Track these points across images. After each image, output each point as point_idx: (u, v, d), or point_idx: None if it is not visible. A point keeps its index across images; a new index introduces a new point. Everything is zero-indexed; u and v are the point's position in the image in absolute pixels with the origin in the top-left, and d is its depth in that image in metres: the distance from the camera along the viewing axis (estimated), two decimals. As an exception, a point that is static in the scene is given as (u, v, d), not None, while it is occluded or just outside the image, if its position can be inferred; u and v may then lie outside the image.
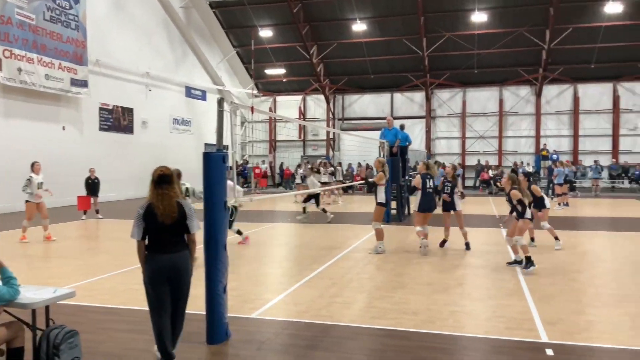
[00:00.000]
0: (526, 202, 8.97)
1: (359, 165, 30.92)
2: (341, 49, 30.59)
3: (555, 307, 6.49)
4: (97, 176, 17.38)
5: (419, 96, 32.82)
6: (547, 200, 10.95)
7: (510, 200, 9.27)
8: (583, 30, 26.81)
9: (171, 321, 4.54)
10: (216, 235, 5.36)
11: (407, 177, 16.49)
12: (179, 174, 7.13)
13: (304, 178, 21.56)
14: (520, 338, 5.42)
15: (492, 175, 28.98)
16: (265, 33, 29.94)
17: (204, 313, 5.38)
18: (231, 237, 7.42)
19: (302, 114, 34.70)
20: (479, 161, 30.78)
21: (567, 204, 19.83)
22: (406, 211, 16.50)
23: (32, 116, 19.52)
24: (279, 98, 35.48)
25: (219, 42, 32.08)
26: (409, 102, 33.22)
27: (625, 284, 7.85)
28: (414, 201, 10.98)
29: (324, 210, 16.00)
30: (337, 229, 14.37)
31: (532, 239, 10.80)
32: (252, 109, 6.69)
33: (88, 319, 6.07)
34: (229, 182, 6.03)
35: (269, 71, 33.35)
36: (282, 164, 34.05)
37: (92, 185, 17.21)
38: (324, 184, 21.77)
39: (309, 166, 20.18)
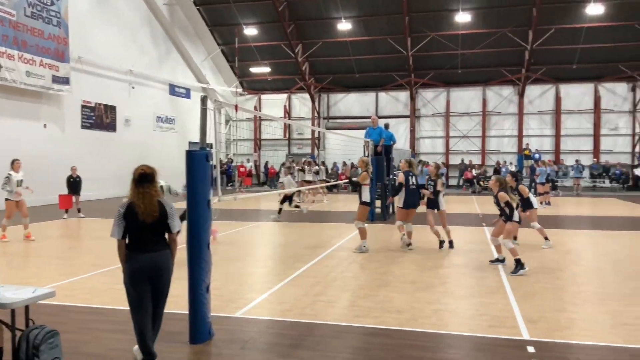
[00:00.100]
0: (514, 205, 8.93)
1: (344, 164, 30.92)
2: (326, 47, 30.58)
3: (537, 305, 6.55)
4: (79, 174, 17.16)
5: (403, 95, 32.95)
6: (534, 201, 11.03)
7: (497, 203, 9.07)
8: (565, 31, 27.13)
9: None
10: (199, 234, 5.32)
11: (391, 176, 16.55)
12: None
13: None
14: (503, 336, 5.47)
15: (475, 175, 29.23)
16: (250, 31, 29.82)
17: (187, 312, 5.34)
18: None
19: (287, 112, 34.66)
20: (462, 160, 31.01)
21: (549, 203, 20.10)
22: (390, 210, 16.56)
23: (13, 113, 19.22)
24: (264, 96, 35.40)
25: (203, 39, 31.84)
26: (393, 101, 33.35)
27: (607, 282, 7.95)
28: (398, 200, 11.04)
29: (297, 207, 16.32)
30: (322, 227, 14.38)
31: (515, 238, 10.87)
32: (236, 107, 6.68)
33: (69, 319, 5.99)
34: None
35: (254, 69, 33.26)
36: (267, 163, 33.98)
37: (74, 184, 16.98)
38: (307, 182, 21.81)
39: (287, 165, 20.14)
